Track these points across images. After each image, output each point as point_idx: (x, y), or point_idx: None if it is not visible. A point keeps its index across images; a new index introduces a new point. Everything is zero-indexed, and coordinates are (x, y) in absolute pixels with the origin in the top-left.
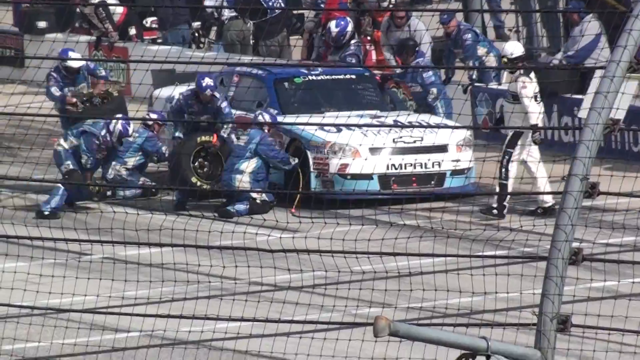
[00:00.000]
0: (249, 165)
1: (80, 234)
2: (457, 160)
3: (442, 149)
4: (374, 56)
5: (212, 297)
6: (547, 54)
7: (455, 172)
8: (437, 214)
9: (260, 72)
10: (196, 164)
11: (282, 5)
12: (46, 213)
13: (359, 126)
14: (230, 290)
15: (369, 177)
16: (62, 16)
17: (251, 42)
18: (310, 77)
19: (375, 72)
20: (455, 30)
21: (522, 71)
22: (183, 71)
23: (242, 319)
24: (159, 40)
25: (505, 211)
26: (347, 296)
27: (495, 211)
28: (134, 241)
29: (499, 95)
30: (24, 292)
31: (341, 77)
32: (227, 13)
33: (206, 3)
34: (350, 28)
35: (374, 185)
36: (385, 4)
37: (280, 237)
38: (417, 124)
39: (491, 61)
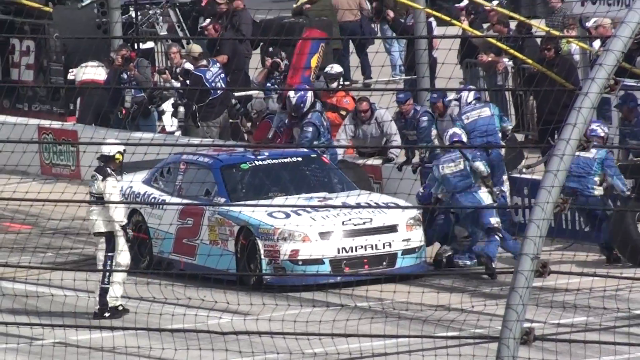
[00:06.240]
0: None
1: (31, 318)
2: (408, 240)
3: (392, 229)
4: None
5: None
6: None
7: (406, 252)
8: (388, 295)
9: (206, 159)
10: None
11: (223, 85)
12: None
13: (330, 207)
14: None
15: (320, 261)
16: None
17: (198, 123)
18: (257, 163)
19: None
20: (411, 112)
21: None
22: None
23: None
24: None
25: None
26: None
27: None
28: (86, 325)
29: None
30: None
31: (288, 160)
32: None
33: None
34: (309, 96)
35: (326, 270)
36: (334, 85)
37: (232, 320)
38: (366, 204)
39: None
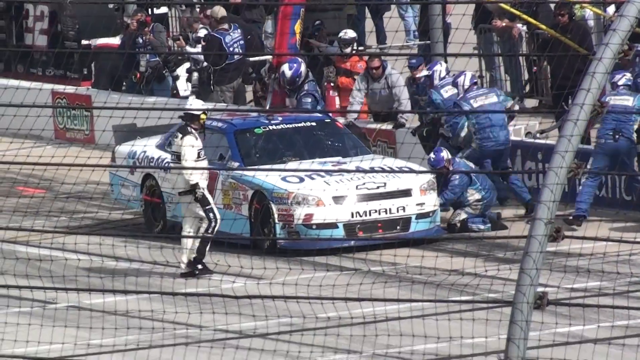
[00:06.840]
0: None
1: (45, 282)
2: (422, 204)
3: (406, 193)
4: (337, 102)
5: (177, 345)
6: (512, 99)
7: (420, 216)
8: (402, 260)
9: (220, 124)
10: None
11: (242, 50)
12: None
13: (347, 171)
14: (195, 337)
15: (334, 225)
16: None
17: (212, 87)
18: (270, 127)
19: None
20: (423, 77)
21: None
22: (144, 125)
23: None
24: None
25: None
26: (312, 342)
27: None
28: (99, 288)
29: None
30: None
31: (301, 124)
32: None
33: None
34: (303, 68)
35: (339, 234)
36: (348, 50)
37: (245, 284)
38: (380, 169)
39: None
